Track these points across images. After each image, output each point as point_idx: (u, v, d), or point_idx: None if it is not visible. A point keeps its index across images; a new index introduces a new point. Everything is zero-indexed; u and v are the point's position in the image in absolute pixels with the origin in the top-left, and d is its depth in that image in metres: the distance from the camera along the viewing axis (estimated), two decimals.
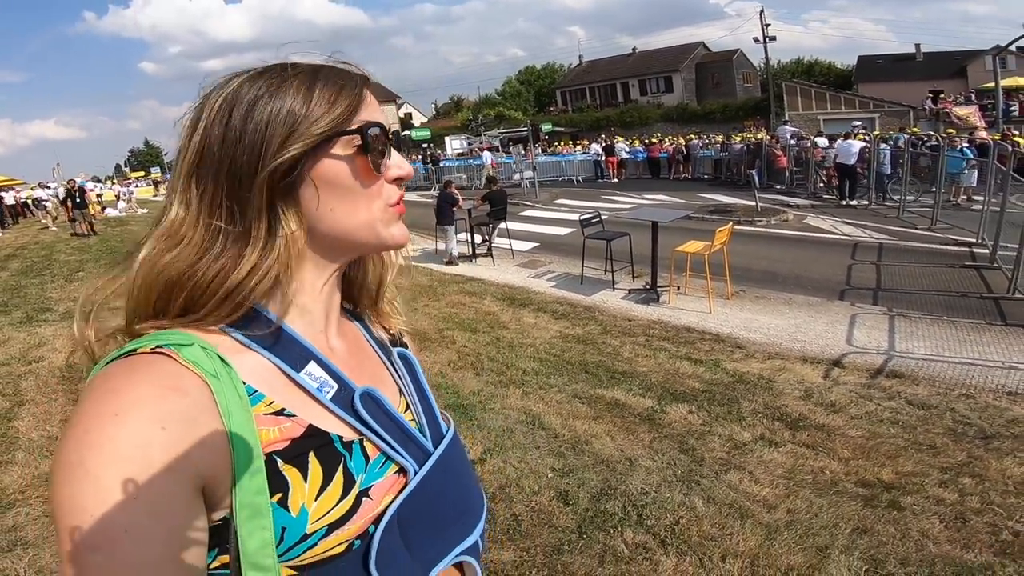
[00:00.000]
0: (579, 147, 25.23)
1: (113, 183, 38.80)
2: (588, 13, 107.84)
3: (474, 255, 9.25)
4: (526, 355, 4.69)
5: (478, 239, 9.35)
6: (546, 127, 28.57)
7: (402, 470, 0.56)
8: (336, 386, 0.54)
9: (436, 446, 0.61)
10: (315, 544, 0.48)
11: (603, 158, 21.00)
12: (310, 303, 0.56)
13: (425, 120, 51.85)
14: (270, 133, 0.50)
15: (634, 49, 42.26)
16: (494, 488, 2.79)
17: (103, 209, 20.23)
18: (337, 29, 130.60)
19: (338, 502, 0.50)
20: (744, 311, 5.84)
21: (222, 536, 0.47)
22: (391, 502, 0.53)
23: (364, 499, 0.51)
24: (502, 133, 26.17)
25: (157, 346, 0.46)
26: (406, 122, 47.93)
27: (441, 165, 23.89)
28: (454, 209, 9.03)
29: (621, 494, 2.69)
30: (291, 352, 0.53)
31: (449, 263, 8.91)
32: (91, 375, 0.47)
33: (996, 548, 2.31)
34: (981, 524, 2.46)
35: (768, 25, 28.46)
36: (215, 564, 0.47)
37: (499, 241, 9.49)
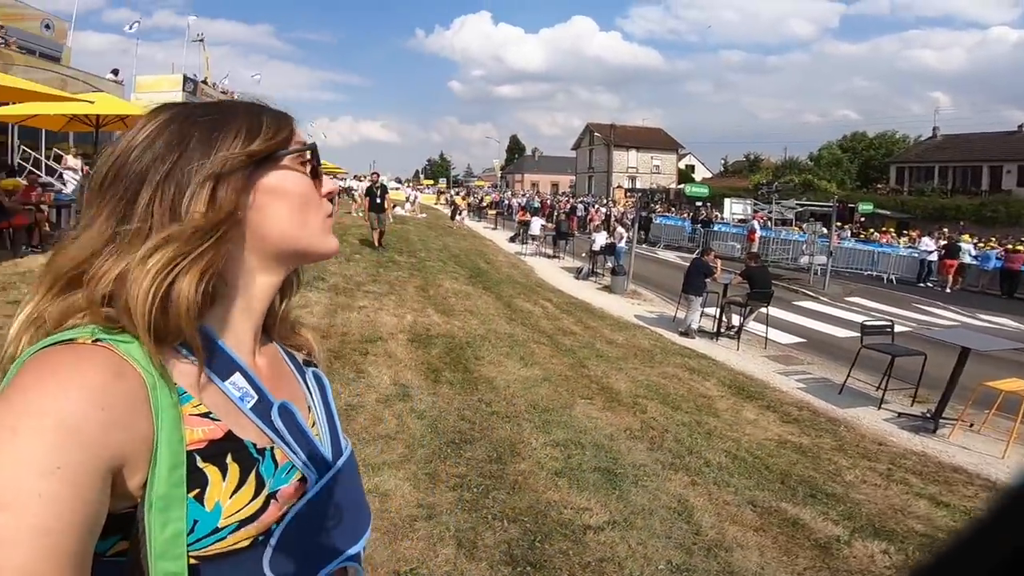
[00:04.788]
0: (905, 239, 22.38)
1: (408, 186, 48.22)
2: (958, 77, 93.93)
3: (718, 333, 9.05)
4: (721, 447, 4.60)
5: (735, 319, 9.15)
6: (865, 207, 25.99)
7: (303, 479, 0.66)
8: (256, 397, 0.65)
9: (335, 460, 0.72)
10: (224, 538, 0.58)
11: (936, 258, 18.08)
12: (240, 319, 0.67)
13: (709, 176, 51.65)
14: (219, 143, 0.64)
15: (1021, 127, 35.55)
16: (593, 560, 2.85)
17: (393, 207, 25.17)
18: (626, 68, 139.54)
19: (250, 501, 0.60)
20: None
21: (126, 524, 0.55)
22: (292, 505, 0.64)
23: (272, 501, 0.62)
24: (801, 205, 24.63)
25: (97, 339, 0.54)
26: (686, 175, 48.43)
27: (714, 229, 23.63)
28: (707, 280, 9.01)
29: None
30: (219, 362, 0.64)
31: (684, 334, 8.85)
32: (25, 355, 0.54)
33: None
34: None
35: None
36: (113, 551, 0.55)
37: (754, 326, 9.14)
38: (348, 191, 26.65)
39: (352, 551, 0.72)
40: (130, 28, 31.93)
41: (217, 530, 0.57)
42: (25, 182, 11.97)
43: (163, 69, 32.63)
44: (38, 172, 15.30)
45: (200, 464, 0.57)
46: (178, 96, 27.51)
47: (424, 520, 3.02)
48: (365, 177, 29.85)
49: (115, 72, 20.43)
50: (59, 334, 0.55)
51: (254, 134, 0.66)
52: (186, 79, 29.07)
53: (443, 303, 8.17)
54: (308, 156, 0.70)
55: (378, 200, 12.44)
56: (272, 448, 0.64)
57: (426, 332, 6.48)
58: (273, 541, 0.62)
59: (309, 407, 0.75)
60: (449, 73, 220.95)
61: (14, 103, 10.55)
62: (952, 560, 0.28)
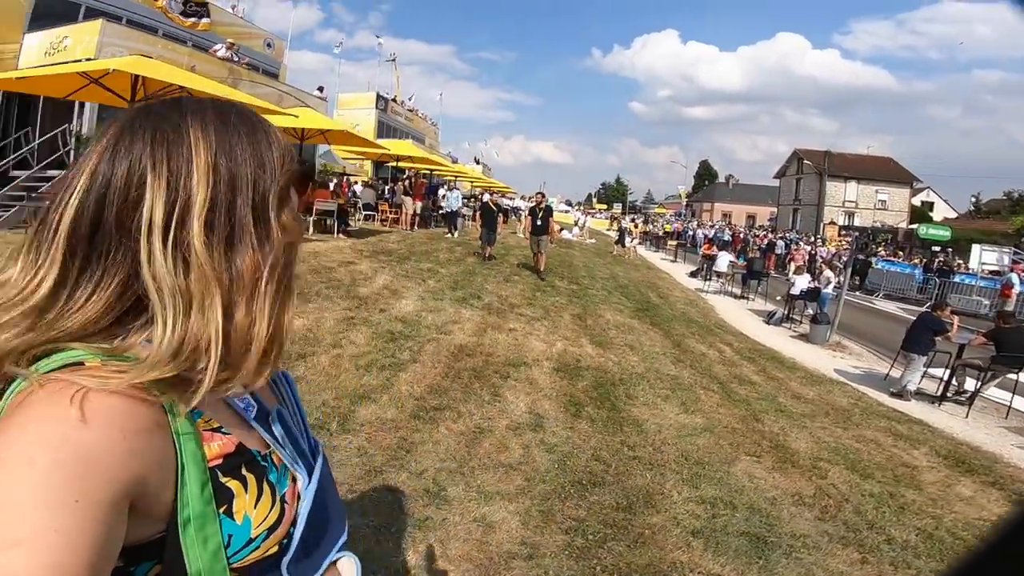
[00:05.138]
0: None
1: (579, 209, 48.85)
2: None
3: (942, 398, 7.82)
4: (914, 524, 3.97)
5: (970, 383, 7.95)
6: None
7: (295, 479, 0.72)
8: (256, 406, 0.72)
9: (313, 458, 0.79)
10: (259, 546, 0.64)
11: None
12: None
13: (953, 216, 45.52)
14: (270, 159, 0.67)
15: None
16: None
17: (560, 230, 25.67)
18: (845, 88, 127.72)
19: (271, 508, 0.66)
20: None
21: (158, 549, 0.58)
22: (298, 506, 0.70)
23: (284, 504, 0.68)
24: None
25: (103, 362, 0.55)
26: (922, 213, 43.12)
27: (954, 280, 20.62)
28: (936, 338, 7.91)
29: None
30: None
31: (896, 395, 7.78)
32: (32, 375, 0.53)
33: None
34: None
35: None
36: None
37: (994, 392, 7.86)
38: (515, 211, 27.78)
39: (343, 539, 0.80)
40: (337, 48, 36.86)
41: (251, 540, 0.63)
42: None
43: (361, 87, 37.18)
44: None
45: (222, 479, 0.62)
46: (372, 114, 31.14)
47: (523, 559, 2.88)
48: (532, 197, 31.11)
49: (320, 89, 23.45)
50: (67, 354, 0.55)
51: (286, 152, 0.68)
52: (379, 97, 32.69)
53: (600, 335, 8.01)
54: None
55: (539, 222, 12.10)
56: (271, 452, 0.70)
57: (575, 363, 6.39)
58: (294, 543, 0.68)
59: (282, 405, 0.82)
60: (630, 93, 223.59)
61: None
62: (980, 564, 0.30)
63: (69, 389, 0.52)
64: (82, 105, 13.36)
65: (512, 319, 7.89)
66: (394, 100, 35.27)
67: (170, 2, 18.06)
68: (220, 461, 0.62)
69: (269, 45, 23.40)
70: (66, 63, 11.51)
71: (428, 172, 25.07)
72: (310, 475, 0.75)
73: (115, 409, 0.53)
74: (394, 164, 21.73)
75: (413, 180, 20.05)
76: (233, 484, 0.62)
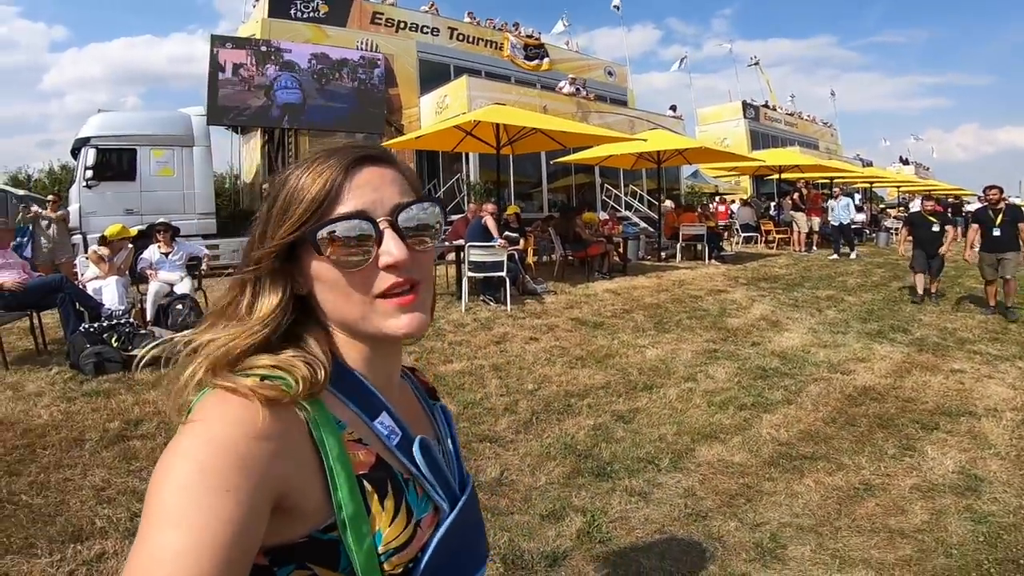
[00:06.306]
0: None
1: None
2: None
3: None
4: None
5: None
6: None
7: (437, 509, 0.82)
8: (400, 434, 0.82)
9: (461, 492, 0.89)
10: (382, 564, 0.74)
11: None
12: (378, 361, 0.84)
13: None
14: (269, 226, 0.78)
15: None
16: None
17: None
18: None
19: (403, 530, 0.76)
20: None
21: (299, 554, 0.70)
22: (432, 534, 0.79)
23: (418, 529, 0.77)
24: None
25: (262, 378, 0.72)
26: None
27: None
28: None
29: None
30: (367, 402, 0.81)
31: None
32: (202, 394, 0.72)
33: None
34: None
35: None
36: None
37: None
38: (968, 219, 23.77)
39: (478, 575, 0.90)
40: (679, 66, 37.59)
41: (378, 555, 0.73)
42: (605, 215, 15.67)
43: (723, 98, 37.07)
44: (618, 208, 19.77)
45: (367, 487, 0.74)
46: (740, 125, 30.68)
47: None
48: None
49: (673, 108, 24.15)
50: (238, 374, 0.72)
51: (282, 217, 0.77)
52: (746, 105, 32.25)
53: None
54: (351, 234, 0.76)
55: (996, 232, 8.92)
56: (413, 480, 0.80)
57: None
58: (420, 569, 0.77)
59: (438, 439, 0.94)
60: None
61: (593, 147, 13.84)
62: None
63: (228, 398, 0.69)
64: (467, 155, 16.25)
65: (959, 358, 6.65)
66: (766, 106, 34.32)
67: (513, 50, 21.35)
68: (366, 470, 0.74)
69: (610, 73, 25.30)
70: (448, 119, 14.18)
71: (827, 181, 23.47)
72: (453, 507, 0.85)
73: (262, 415, 0.67)
74: (778, 176, 20.85)
75: (805, 192, 18.78)
76: (372, 497, 0.74)
